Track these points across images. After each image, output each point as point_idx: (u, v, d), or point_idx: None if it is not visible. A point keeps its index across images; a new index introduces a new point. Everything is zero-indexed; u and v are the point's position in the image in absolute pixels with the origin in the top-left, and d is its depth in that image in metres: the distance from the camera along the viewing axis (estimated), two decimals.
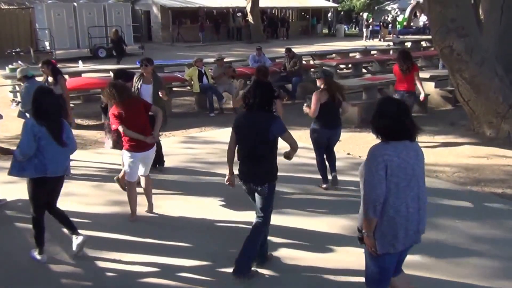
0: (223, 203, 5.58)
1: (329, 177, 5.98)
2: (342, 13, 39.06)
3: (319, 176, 6.02)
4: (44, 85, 6.36)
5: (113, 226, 5.01)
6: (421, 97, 7.92)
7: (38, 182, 4.09)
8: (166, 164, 6.66)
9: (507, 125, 7.81)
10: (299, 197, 5.74)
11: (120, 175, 5.80)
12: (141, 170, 5.09)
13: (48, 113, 4.03)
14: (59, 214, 4.41)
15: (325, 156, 5.97)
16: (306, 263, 4.25)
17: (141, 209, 5.29)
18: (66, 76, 11.58)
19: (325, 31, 37.00)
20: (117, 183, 5.83)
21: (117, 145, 5.64)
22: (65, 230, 4.83)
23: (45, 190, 4.17)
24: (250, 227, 4.03)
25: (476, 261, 4.26)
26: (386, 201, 2.82)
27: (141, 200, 5.30)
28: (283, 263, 4.26)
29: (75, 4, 22.10)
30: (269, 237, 4.28)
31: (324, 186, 5.94)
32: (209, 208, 5.43)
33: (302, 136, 8.54)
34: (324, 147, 5.91)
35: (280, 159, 4.07)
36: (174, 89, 12.20)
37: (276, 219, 5.08)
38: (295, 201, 5.62)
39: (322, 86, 5.67)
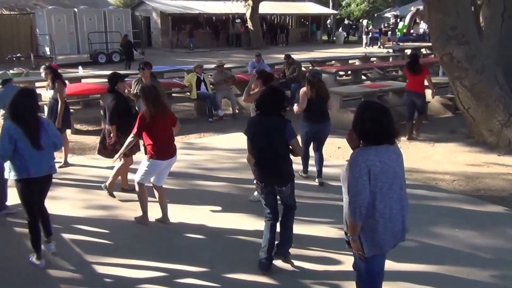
0: (221, 209, 5.55)
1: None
2: (345, 20, 39.14)
3: (316, 183, 5.99)
4: (27, 87, 6.41)
5: (111, 231, 4.97)
6: (431, 94, 8.65)
7: (23, 183, 4.07)
8: None
9: (508, 133, 7.79)
10: (299, 204, 5.69)
11: (108, 182, 5.76)
12: (157, 180, 5.03)
13: (24, 115, 4.02)
14: (43, 214, 4.39)
15: (315, 157, 6.41)
16: (304, 268, 4.20)
17: (135, 214, 5.25)
18: (66, 82, 11.63)
19: (325, 37, 37.09)
20: (105, 190, 5.80)
21: (102, 151, 5.74)
22: (63, 235, 4.83)
23: (32, 191, 4.14)
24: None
25: (477, 270, 4.22)
26: (371, 205, 2.87)
27: (135, 205, 5.28)
28: (283, 269, 4.22)
29: (76, 9, 22.17)
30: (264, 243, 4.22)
31: (304, 175, 6.47)
32: (207, 215, 5.40)
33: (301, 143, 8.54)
34: (313, 142, 6.34)
35: None
36: (173, 95, 12.17)
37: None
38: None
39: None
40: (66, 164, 6.99)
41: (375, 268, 3.05)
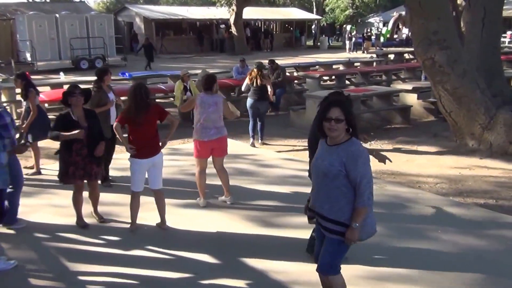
0: (207, 215, 5.50)
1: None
2: (325, 25, 39.46)
3: (304, 189, 5.98)
4: None
5: (94, 238, 4.89)
6: None
7: None
8: None
9: (489, 137, 7.90)
10: (284, 209, 5.69)
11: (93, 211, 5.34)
12: (151, 183, 4.97)
13: None
14: None
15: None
16: (292, 276, 4.19)
17: (122, 220, 5.18)
18: (47, 88, 11.48)
19: (309, 43, 37.33)
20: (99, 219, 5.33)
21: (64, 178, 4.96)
22: (45, 243, 4.78)
23: None
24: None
25: (459, 271, 4.24)
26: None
27: (123, 211, 5.20)
28: (269, 277, 4.19)
29: (57, 15, 21.95)
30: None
31: (251, 143, 8.60)
32: (193, 220, 5.35)
33: (286, 148, 8.55)
34: (256, 115, 8.58)
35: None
36: (157, 100, 12.09)
37: (260, 230, 5.04)
38: (280, 213, 5.56)
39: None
40: (38, 172, 6.94)
41: (345, 254, 3.31)
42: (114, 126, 4.88)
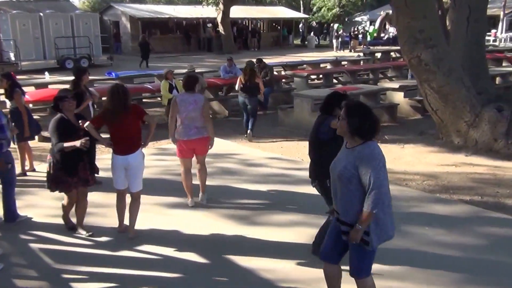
0: (195, 215, 5.47)
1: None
2: (316, 24, 39.54)
3: (291, 187, 5.98)
4: None
5: (81, 240, 4.84)
6: None
7: None
8: None
9: (474, 134, 7.98)
10: (271, 208, 5.68)
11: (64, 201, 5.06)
12: (129, 186, 4.83)
13: None
14: None
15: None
16: (279, 274, 4.18)
17: (109, 221, 5.13)
18: (32, 88, 11.33)
19: (297, 42, 37.40)
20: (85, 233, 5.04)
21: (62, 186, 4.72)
22: (31, 245, 4.71)
23: None
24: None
25: (445, 267, 4.28)
26: (385, 195, 3.09)
27: (108, 212, 5.15)
28: (257, 276, 4.18)
29: (41, 14, 21.66)
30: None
31: (245, 135, 9.09)
32: (181, 220, 5.32)
33: (274, 147, 8.55)
34: (245, 111, 9.11)
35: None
36: (144, 100, 12.03)
37: (247, 229, 5.03)
38: (265, 211, 5.56)
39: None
40: (32, 170, 6.89)
41: (375, 250, 3.20)
42: (85, 125, 4.63)
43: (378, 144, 3.21)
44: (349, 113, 3.12)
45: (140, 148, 4.77)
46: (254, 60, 11.04)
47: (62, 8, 26.08)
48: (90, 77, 7.45)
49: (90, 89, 6.96)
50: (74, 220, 5.08)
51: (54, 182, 4.71)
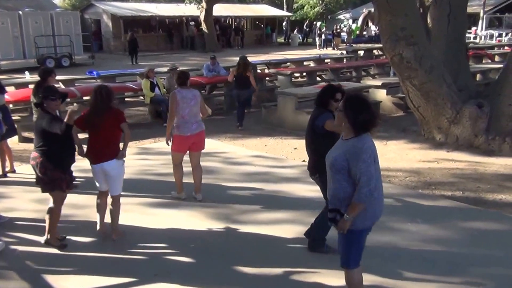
0: (180, 214, 5.44)
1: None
2: (308, 22, 39.62)
3: (275, 186, 5.99)
4: None
5: (63, 242, 4.74)
6: None
7: None
8: None
9: (455, 130, 8.08)
10: (255, 206, 5.68)
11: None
12: (109, 189, 4.75)
13: None
14: None
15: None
16: (265, 272, 4.18)
17: (91, 223, 5.06)
18: (12, 88, 11.12)
19: (280, 40, 37.43)
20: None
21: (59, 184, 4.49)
22: (14, 247, 4.63)
23: None
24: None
25: (429, 261, 4.33)
26: (374, 187, 3.15)
27: (90, 213, 5.09)
28: (244, 274, 4.17)
29: (20, 12, 21.26)
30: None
31: (240, 128, 9.52)
32: (165, 220, 5.27)
33: (258, 145, 8.54)
34: (240, 102, 9.66)
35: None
36: (126, 99, 11.90)
37: (231, 228, 5.02)
38: (250, 209, 5.55)
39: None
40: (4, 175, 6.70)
41: (361, 240, 3.33)
42: (63, 128, 4.38)
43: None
44: (347, 105, 3.18)
45: (116, 158, 4.60)
46: (238, 58, 11.04)
47: (41, 6, 25.70)
48: (72, 76, 7.36)
49: (71, 88, 6.86)
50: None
51: (51, 182, 4.44)
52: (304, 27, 38.03)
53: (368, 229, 3.34)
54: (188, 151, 5.75)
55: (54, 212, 4.59)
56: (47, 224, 4.60)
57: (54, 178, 4.43)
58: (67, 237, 4.81)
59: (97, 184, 4.78)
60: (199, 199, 5.80)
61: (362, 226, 3.25)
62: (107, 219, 4.88)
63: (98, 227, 4.89)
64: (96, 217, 4.89)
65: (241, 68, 9.63)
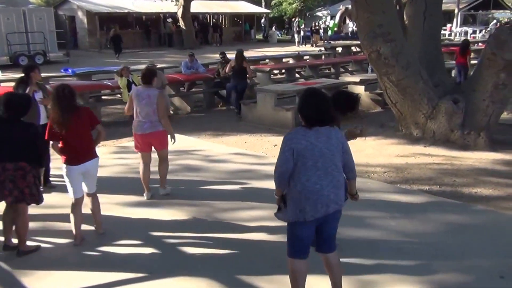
0: (160, 213, 5.39)
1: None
2: (287, 19, 39.66)
3: (255, 183, 5.98)
4: None
5: (38, 242, 4.65)
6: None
7: None
8: (99, 174, 6.33)
9: (432, 125, 8.21)
10: (234, 204, 5.66)
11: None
12: (84, 187, 4.66)
13: None
14: None
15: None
16: (246, 271, 4.17)
17: (67, 224, 4.97)
18: None
19: (259, 36, 37.41)
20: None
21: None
22: None
23: None
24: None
25: (407, 255, 4.39)
26: (294, 177, 3.26)
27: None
28: (224, 272, 4.16)
29: None
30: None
31: (239, 115, 10.36)
32: (143, 219, 5.22)
33: (238, 142, 8.53)
34: (237, 91, 10.48)
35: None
36: (103, 97, 11.73)
37: (213, 228, 4.99)
38: (232, 207, 5.54)
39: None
40: None
41: (297, 233, 3.37)
42: (51, 145, 4.53)
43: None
44: (300, 97, 3.44)
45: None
46: (217, 55, 11.05)
47: (14, 2, 25.11)
48: (46, 74, 7.17)
49: (46, 86, 6.69)
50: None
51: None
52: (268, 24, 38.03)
53: (304, 222, 3.29)
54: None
55: (25, 221, 4.44)
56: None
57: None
58: (44, 238, 4.72)
59: (72, 190, 4.56)
60: (162, 193, 5.79)
61: (294, 218, 3.30)
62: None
63: (74, 240, 4.66)
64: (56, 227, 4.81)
65: (238, 60, 10.35)
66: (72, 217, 4.60)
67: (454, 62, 13.25)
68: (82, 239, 4.69)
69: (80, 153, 4.47)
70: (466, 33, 31.96)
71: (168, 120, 5.68)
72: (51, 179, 6.22)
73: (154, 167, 5.87)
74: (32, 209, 5.07)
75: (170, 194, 5.85)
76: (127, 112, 5.72)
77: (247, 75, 10.72)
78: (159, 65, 13.25)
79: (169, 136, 5.72)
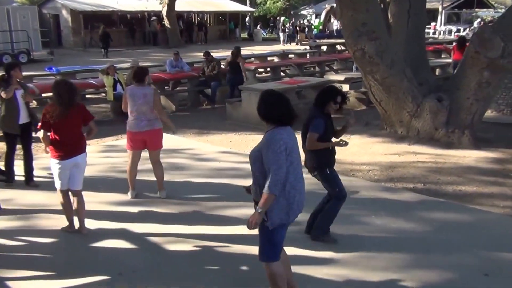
0: (146, 212, 5.34)
1: None
2: (272, 18, 39.60)
3: (241, 181, 5.97)
4: None
5: (26, 243, 4.62)
6: None
7: None
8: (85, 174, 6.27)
9: (416, 124, 8.27)
10: (220, 202, 5.64)
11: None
12: (71, 184, 4.64)
13: None
14: None
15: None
16: (233, 269, 4.15)
17: (51, 222, 4.90)
18: None
19: (244, 35, 37.34)
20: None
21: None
22: None
23: None
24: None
25: (391, 253, 4.42)
26: (286, 179, 3.15)
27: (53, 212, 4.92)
28: (210, 271, 4.13)
29: None
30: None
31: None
32: (129, 217, 5.17)
33: (223, 140, 8.50)
34: (232, 85, 10.96)
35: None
36: (87, 96, 11.60)
37: (199, 227, 4.96)
38: (217, 206, 5.51)
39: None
40: None
41: (280, 238, 3.30)
42: (41, 136, 4.55)
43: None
44: (259, 100, 3.30)
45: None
46: (201, 54, 11.02)
47: None
48: (30, 73, 7.07)
49: (29, 85, 6.59)
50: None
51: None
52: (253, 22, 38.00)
53: (287, 224, 3.28)
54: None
55: None
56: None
57: None
58: (28, 238, 4.64)
59: (59, 183, 4.62)
60: (163, 197, 5.72)
61: (279, 221, 3.20)
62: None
63: (68, 227, 4.79)
64: (55, 217, 4.75)
65: (234, 56, 11.29)
66: (62, 206, 4.71)
67: (438, 60, 13.42)
68: (74, 229, 4.77)
69: (71, 147, 4.52)
70: (450, 31, 32.32)
71: (166, 113, 5.68)
72: (35, 178, 6.15)
73: (140, 166, 5.82)
74: (16, 208, 5.00)
75: (153, 192, 5.81)
76: (125, 110, 5.64)
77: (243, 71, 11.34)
78: (143, 64, 13.13)
79: (165, 134, 5.73)
